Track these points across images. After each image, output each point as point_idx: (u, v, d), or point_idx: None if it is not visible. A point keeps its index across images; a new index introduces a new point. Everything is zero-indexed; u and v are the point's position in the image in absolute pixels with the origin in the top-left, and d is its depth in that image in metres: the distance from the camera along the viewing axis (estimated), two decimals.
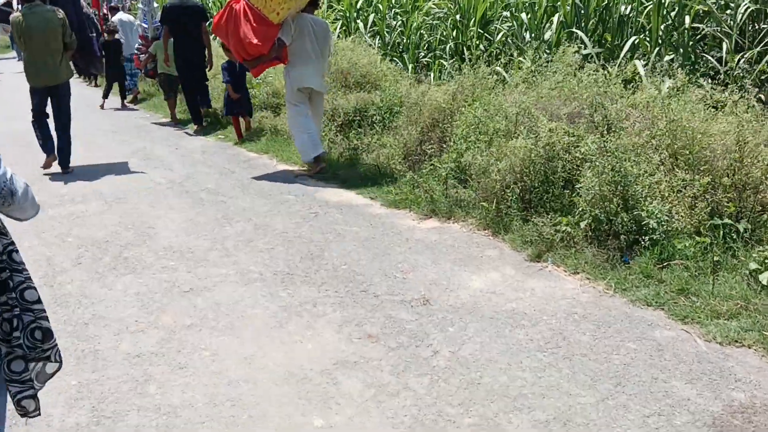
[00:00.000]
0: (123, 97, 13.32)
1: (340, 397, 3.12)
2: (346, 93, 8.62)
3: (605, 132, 4.86)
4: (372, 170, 6.90)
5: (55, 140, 7.87)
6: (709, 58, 7.23)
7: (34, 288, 2.12)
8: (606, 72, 6.23)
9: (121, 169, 7.82)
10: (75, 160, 7.97)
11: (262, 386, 3.24)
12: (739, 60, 6.68)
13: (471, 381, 3.18)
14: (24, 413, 2.12)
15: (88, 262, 4.91)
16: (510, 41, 9.78)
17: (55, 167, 7.84)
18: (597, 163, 4.47)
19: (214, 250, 5.07)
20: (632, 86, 6.21)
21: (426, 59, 11.21)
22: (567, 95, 5.73)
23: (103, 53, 12.72)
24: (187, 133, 10.32)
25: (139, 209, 6.18)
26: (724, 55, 6.86)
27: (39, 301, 2.13)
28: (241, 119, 9.43)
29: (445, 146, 6.27)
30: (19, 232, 5.51)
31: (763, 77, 6.68)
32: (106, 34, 13.04)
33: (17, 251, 2.07)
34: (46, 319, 2.15)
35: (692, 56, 7.31)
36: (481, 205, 5.29)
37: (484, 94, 6.40)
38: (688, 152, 4.62)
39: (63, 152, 7.82)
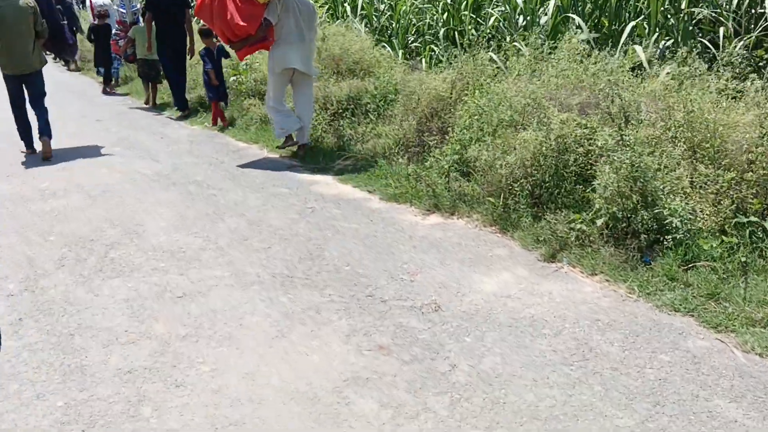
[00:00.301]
0: (106, 83, 13.05)
1: (354, 419, 2.86)
2: (339, 80, 8.32)
3: (623, 124, 4.60)
4: (368, 161, 6.62)
5: (34, 127, 7.79)
6: (706, 43, 7.01)
7: None
8: (614, 59, 5.99)
9: (104, 160, 7.48)
10: (56, 151, 7.64)
11: (267, 406, 2.97)
12: (737, 45, 6.45)
13: (495, 400, 2.93)
14: None
15: (72, 264, 4.60)
16: (503, 26, 9.50)
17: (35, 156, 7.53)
18: (615, 158, 4.21)
19: (207, 249, 4.77)
20: (639, 74, 5.96)
21: (415, 45, 10.92)
22: (574, 84, 5.47)
23: (92, 37, 12.70)
24: (170, 118, 10.01)
25: (124, 204, 5.86)
26: (721, 40, 6.64)
27: None
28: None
29: (445, 137, 6.00)
30: None
31: (760, 63, 6.47)
32: (97, 19, 12.83)
33: None
34: None
35: (691, 42, 7.08)
36: (488, 200, 5.04)
37: (486, 82, 6.12)
38: (708, 145, 4.38)
39: (44, 134, 7.67)
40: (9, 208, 5.86)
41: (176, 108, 10.29)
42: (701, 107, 4.47)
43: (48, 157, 7.54)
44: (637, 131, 4.40)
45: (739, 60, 6.00)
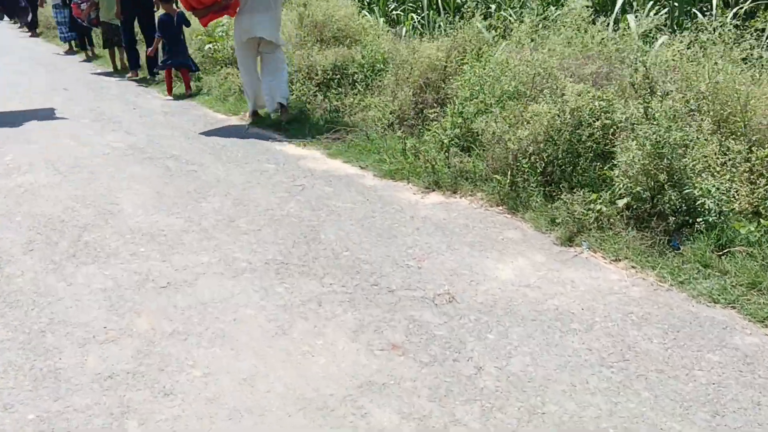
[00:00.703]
0: (84, 48, 12.72)
1: None
2: (323, 48, 7.86)
3: (648, 95, 4.24)
4: (358, 135, 6.21)
5: None
6: (697, 13, 6.69)
7: None
8: (624, 28, 5.65)
9: (73, 131, 6.96)
10: (20, 122, 7.12)
11: (270, 418, 2.60)
12: (732, 15, 6.13)
13: (532, 409, 2.59)
14: None
15: (41, 248, 4.16)
16: None
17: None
18: (640, 132, 3.87)
19: (191, 231, 4.36)
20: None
21: (396, 12, 10.49)
22: (583, 53, 5.10)
23: (68, 1, 12.41)
24: (141, 85, 9.57)
25: (97, 180, 5.40)
26: (714, 8, 6.32)
27: None
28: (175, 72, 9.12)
29: (444, 110, 5.61)
30: None
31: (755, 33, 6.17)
32: None
33: None
34: None
35: (686, 11, 6.77)
36: (494, 178, 4.67)
37: (486, 51, 5.73)
38: (738, 119, 4.05)
39: None
40: None
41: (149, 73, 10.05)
42: (730, 78, 4.13)
43: None
44: (662, 103, 4.04)
45: (730, 29, 5.70)
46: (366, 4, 10.78)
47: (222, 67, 9.12)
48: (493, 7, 8.51)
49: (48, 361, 2.99)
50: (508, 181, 4.58)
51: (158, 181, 5.35)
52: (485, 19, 7.30)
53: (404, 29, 9.04)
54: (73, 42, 13.28)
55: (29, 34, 16.56)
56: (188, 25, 8.80)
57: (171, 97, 8.77)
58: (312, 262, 3.88)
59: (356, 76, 7.21)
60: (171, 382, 2.82)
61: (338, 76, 7.33)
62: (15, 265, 3.94)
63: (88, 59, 12.55)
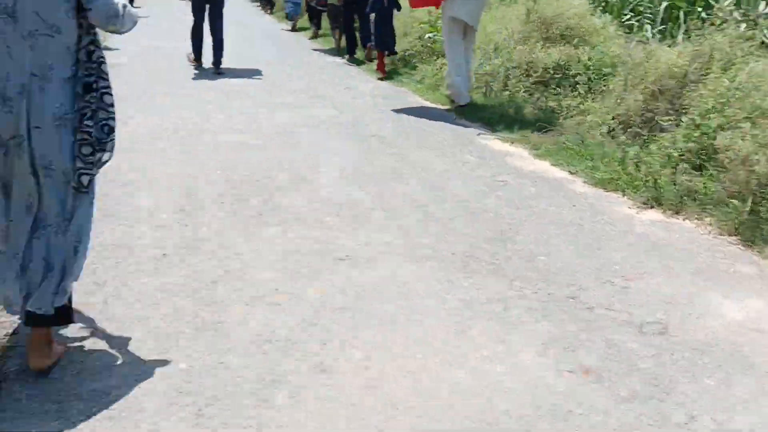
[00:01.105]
0: (316, 26, 12.88)
1: None
2: (547, 46, 7.37)
3: None
4: (572, 139, 5.67)
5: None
6: None
7: (111, 95, 2.46)
8: None
9: (286, 103, 7.06)
10: (239, 90, 7.40)
11: (429, 426, 2.23)
12: None
13: None
14: (78, 187, 2.39)
15: (232, 203, 4.12)
16: (736, 13, 8.09)
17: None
18: None
19: (380, 209, 4.12)
20: None
21: (629, 22, 9.72)
22: None
23: None
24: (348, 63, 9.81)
25: (299, 148, 5.36)
26: None
27: (113, 105, 2.47)
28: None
29: (679, 120, 4.95)
30: (163, 159, 4.87)
31: None
32: None
33: (105, 63, 2.45)
34: (114, 119, 2.47)
35: None
36: (730, 203, 3.99)
37: (740, 61, 5.00)
38: None
39: (216, 61, 8.57)
40: (182, 136, 5.55)
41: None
42: None
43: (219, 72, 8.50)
44: None
45: None
46: (600, 9, 10.14)
47: (438, 57, 8.91)
48: (743, 25, 7.58)
49: (211, 314, 2.85)
50: (747, 208, 3.88)
51: (357, 156, 5.20)
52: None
53: (635, 39, 8.31)
54: (298, 20, 13.80)
55: (267, 12, 17.58)
56: (399, 8, 8.79)
57: (383, 77, 8.74)
58: (504, 262, 3.47)
59: (579, 77, 6.67)
60: (329, 359, 2.55)
61: (559, 76, 6.83)
62: (203, 214, 3.91)
63: (315, 37, 12.86)
